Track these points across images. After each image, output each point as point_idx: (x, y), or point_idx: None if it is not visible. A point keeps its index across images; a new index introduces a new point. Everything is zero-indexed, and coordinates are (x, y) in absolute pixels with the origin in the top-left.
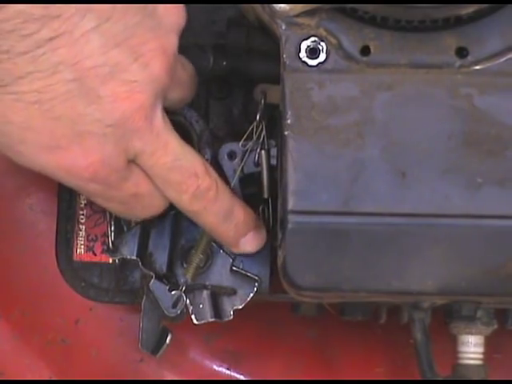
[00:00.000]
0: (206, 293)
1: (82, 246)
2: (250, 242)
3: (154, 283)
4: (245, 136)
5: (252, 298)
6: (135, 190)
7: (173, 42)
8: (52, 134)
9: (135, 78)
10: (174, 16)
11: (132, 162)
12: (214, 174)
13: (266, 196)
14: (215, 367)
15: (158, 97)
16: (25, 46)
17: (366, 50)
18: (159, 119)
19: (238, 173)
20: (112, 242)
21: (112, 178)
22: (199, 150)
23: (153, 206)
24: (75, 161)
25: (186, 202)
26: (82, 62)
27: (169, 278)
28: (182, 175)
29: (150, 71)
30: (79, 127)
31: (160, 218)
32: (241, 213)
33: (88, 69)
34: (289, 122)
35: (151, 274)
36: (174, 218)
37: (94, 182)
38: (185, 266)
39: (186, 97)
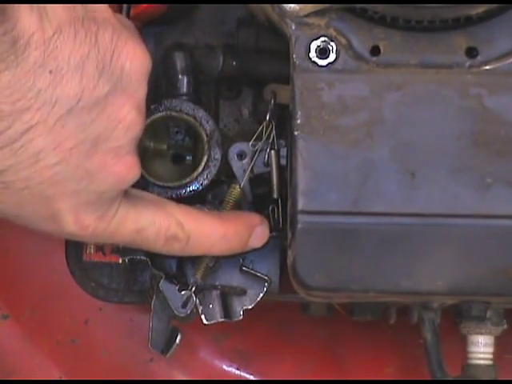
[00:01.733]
0: (215, 293)
1: (92, 246)
2: (255, 242)
3: (163, 283)
4: (255, 136)
5: (262, 298)
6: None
7: (144, 92)
8: (47, 209)
9: (119, 143)
10: (140, 66)
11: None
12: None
13: (275, 196)
14: (225, 367)
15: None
16: (1, 142)
17: (375, 50)
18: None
19: (248, 173)
20: None
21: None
22: (209, 150)
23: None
24: (69, 229)
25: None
26: (62, 144)
27: (178, 278)
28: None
29: (132, 131)
30: (75, 201)
31: None
32: (229, 239)
33: (69, 149)
34: (299, 121)
35: (161, 274)
36: None
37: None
38: (194, 265)
39: None
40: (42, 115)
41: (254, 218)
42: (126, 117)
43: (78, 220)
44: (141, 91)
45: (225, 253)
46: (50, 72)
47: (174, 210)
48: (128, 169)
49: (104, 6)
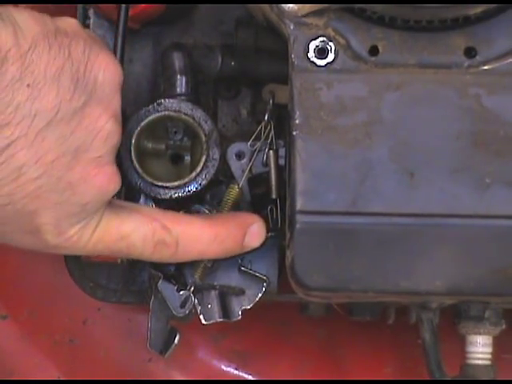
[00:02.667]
0: (214, 293)
1: None
2: (252, 241)
3: (162, 283)
4: (253, 136)
5: (260, 298)
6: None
7: (118, 102)
8: (31, 223)
9: (99, 153)
10: (113, 77)
11: None
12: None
13: (274, 196)
14: (223, 367)
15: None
16: None
17: (374, 50)
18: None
19: (246, 173)
20: None
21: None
22: (208, 150)
23: None
24: (53, 241)
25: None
26: (43, 157)
27: (177, 278)
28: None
29: (110, 141)
30: (57, 214)
31: None
32: (221, 240)
33: (51, 162)
34: (297, 122)
35: (159, 274)
36: None
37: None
38: (193, 266)
39: None
40: (22, 129)
41: (248, 217)
42: (104, 127)
43: (61, 232)
44: (115, 101)
45: (221, 255)
46: (28, 86)
47: (158, 215)
48: (109, 179)
49: (73, 20)
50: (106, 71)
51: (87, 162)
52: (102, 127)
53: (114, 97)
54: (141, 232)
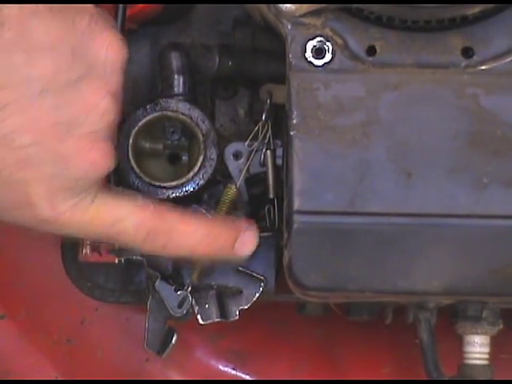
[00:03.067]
0: (211, 293)
1: (88, 247)
2: (242, 247)
3: (159, 283)
4: (251, 136)
5: (258, 298)
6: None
7: (119, 82)
8: (23, 194)
9: (93, 128)
10: (116, 56)
11: None
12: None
13: (271, 196)
14: (221, 367)
15: (113, 132)
16: None
17: (371, 50)
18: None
19: (244, 173)
20: None
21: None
22: (205, 150)
23: None
24: (45, 214)
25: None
26: (36, 124)
27: (174, 278)
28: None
29: (106, 118)
30: (50, 187)
31: None
32: (214, 238)
33: (44, 130)
34: (294, 121)
35: (157, 274)
36: None
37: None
38: (190, 265)
39: None
40: (16, 94)
41: (241, 222)
42: (101, 102)
43: (53, 206)
44: (116, 80)
45: (211, 254)
46: (25, 51)
47: (154, 204)
48: (103, 155)
49: None
50: (109, 48)
51: (81, 136)
52: (98, 103)
53: (115, 75)
54: (134, 218)
